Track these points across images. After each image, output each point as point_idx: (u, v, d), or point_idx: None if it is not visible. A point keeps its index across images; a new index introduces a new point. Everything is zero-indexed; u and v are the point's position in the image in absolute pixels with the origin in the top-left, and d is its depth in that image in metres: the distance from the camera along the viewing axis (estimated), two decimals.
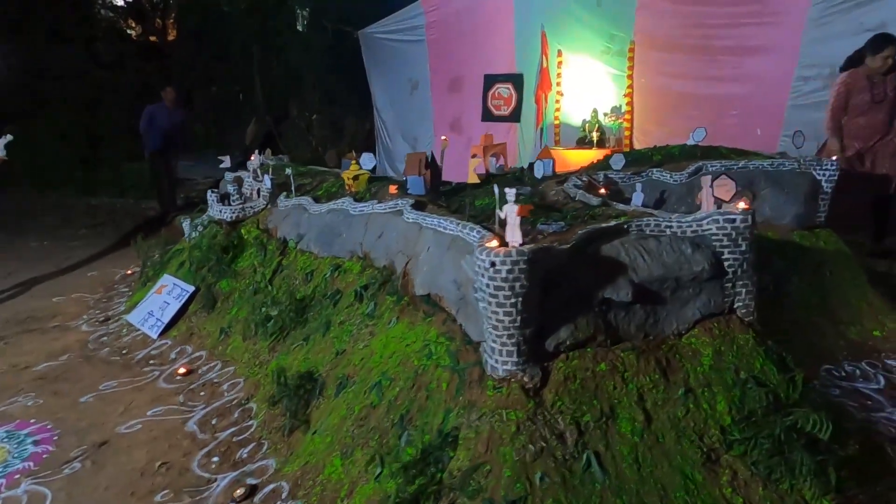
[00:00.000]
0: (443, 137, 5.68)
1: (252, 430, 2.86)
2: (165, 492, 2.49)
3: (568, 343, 2.19)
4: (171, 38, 15.28)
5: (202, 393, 3.31)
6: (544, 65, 7.38)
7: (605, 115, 7.18)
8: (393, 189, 3.51)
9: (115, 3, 14.92)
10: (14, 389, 3.52)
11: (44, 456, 2.81)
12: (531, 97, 7.73)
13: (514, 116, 8.14)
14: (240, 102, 13.69)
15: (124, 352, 4.02)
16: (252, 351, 3.55)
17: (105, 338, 4.30)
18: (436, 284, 2.58)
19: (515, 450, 1.99)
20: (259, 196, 4.67)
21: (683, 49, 6.32)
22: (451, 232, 2.58)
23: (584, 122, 7.35)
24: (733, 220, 2.42)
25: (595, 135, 7.10)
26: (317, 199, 4.20)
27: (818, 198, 4.02)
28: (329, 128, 10.69)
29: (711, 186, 2.51)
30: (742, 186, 3.93)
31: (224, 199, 4.72)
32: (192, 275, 4.42)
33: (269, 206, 4.60)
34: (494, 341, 2.10)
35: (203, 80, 13.83)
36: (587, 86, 7.43)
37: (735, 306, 2.51)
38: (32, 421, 3.15)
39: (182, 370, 3.58)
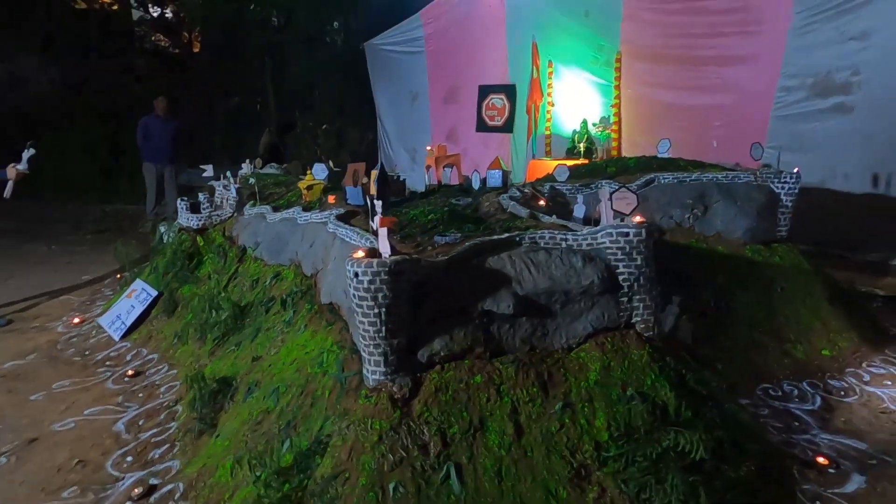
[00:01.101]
0: (428, 147, 5.72)
1: (171, 431, 2.94)
2: (73, 489, 2.58)
3: (443, 354, 2.20)
4: (195, 50, 15.86)
5: (140, 395, 3.42)
6: (534, 76, 7.37)
7: (594, 125, 7.13)
8: (331, 199, 3.58)
9: (145, 18, 15.61)
10: None
11: None
12: (523, 108, 7.72)
13: (508, 127, 8.15)
14: (257, 113, 14.10)
15: (87, 353, 4.17)
16: (196, 355, 3.65)
17: (74, 339, 4.47)
18: (335, 293, 2.62)
19: (375, 459, 2.01)
20: (226, 205, 4.81)
21: (668, 59, 6.24)
22: (354, 242, 2.62)
23: (574, 132, 7.30)
24: (626, 234, 2.39)
25: (583, 145, 7.03)
26: (276, 209, 4.30)
27: (777, 212, 3.91)
28: (335, 138, 10.90)
29: (610, 199, 2.48)
30: (692, 199, 3.87)
31: (195, 207, 4.87)
32: (159, 280, 4.57)
33: (235, 214, 4.73)
34: (364, 351, 2.13)
35: (223, 92, 14.30)
36: (577, 96, 7.40)
37: (633, 321, 2.47)
38: None
39: (130, 372, 3.71)
